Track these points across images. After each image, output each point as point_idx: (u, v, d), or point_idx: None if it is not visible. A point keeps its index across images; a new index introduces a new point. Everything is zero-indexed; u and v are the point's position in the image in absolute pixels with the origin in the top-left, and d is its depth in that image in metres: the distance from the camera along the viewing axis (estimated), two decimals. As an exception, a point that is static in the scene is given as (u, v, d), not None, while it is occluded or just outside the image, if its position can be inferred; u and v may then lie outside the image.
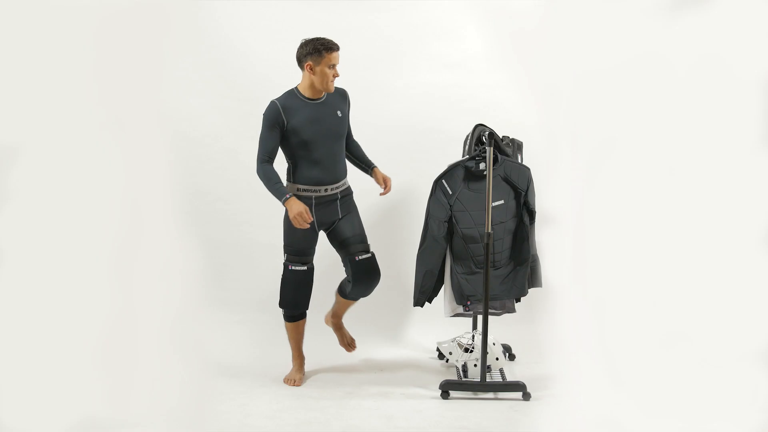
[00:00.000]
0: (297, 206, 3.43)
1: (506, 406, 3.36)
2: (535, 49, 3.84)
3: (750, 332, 2.56)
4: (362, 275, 3.65)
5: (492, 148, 3.50)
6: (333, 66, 3.49)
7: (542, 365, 3.83)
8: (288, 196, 3.46)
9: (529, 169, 3.71)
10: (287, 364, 3.77)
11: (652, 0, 2.69)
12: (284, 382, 3.67)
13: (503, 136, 3.74)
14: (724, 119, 2.58)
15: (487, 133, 3.56)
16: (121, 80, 2.69)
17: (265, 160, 3.51)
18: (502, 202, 3.65)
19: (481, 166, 3.62)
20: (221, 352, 4.00)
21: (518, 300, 3.79)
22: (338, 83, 3.64)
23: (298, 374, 3.69)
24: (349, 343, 3.88)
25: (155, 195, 2.87)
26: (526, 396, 3.42)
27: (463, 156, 3.76)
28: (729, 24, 2.57)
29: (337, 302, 3.85)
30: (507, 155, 3.69)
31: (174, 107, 4.30)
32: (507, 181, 3.66)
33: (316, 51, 3.46)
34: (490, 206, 3.48)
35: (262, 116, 3.52)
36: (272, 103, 3.50)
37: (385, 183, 3.73)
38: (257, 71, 4.52)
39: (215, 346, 4.03)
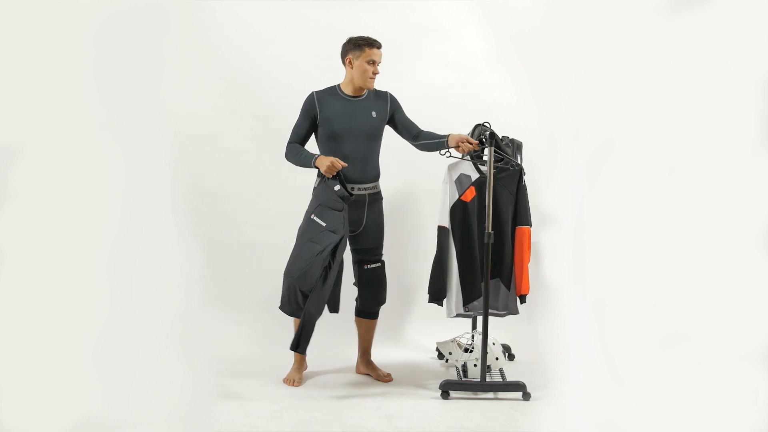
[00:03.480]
0: (327, 158, 3.49)
1: (506, 406, 3.36)
2: (536, 50, 3.84)
3: (750, 332, 2.56)
4: (369, 282, 3.72)
5: (493, 148, 3.50)
6: (372, 62, 3.58)
7: (542, 365, 3.83)
8: (316, 156, 3.52)
9: None
10: (287, 364, 3.77)
11: (652, 0, 2.69)
12: (284, 382, 3.66)
13: (503, 137, 3.73)
14: (724, 119, 2.57)
15: (487, 133, 3.56)
16: (121, 80, 2.69)
17: (292, 141, 3.63)
18: None
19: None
20: (221, 353, 4.00)
21: (523, 300, 3.79)
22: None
23: (297, 374, 3.69)
24: (385, 376, 3.76)
25: (155, 195, 2.87)
26: (526, 396, 3.42)
27: (463, 156, 3.75)
28: (729, 24, 2.56)
29: (359, 335, 3.84)
30: (507, 155, 3.68)
31: (174, 107, 4.30)
32: None
33: (357, 46, 3.58)
34: (491, 205, 3.48)
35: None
36: (310, 93, 3.63)
37: (458, 144, 3.58)
38: (257, 71, 4.53)
39: (215, 346, 4.03)
